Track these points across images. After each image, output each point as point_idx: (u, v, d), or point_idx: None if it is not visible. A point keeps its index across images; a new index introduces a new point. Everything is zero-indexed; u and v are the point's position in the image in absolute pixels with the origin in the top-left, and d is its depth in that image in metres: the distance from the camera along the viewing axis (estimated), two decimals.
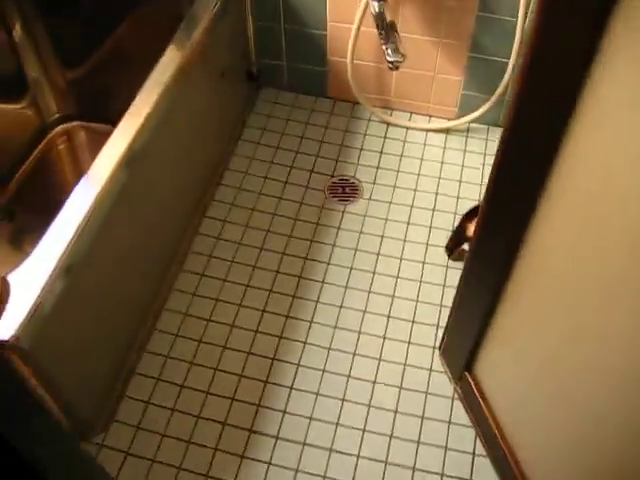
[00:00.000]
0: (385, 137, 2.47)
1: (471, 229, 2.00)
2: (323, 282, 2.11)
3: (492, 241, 1.46)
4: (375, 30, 2.09)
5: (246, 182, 2.32)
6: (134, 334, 1.92)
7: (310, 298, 2.08)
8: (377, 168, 2.38)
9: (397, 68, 2.03)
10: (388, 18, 2.11)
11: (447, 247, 2.17)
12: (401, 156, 2.42)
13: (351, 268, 2.15)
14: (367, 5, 2.14)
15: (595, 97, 1.04)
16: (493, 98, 2.31)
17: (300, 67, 2.48)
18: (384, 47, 2.04)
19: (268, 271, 2.13)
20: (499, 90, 2.28)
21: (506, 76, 2.24)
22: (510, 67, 2.21)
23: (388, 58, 2.01)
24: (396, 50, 2.03)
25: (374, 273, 2.14)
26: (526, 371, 1.53)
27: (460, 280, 1.67)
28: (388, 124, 2.50)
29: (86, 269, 1.53)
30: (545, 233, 1.30)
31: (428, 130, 2.49)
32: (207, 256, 2.15)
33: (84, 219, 1.49)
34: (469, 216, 2.10)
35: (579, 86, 1.05)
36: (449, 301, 2.06)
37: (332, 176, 2.35)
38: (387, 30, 2.09)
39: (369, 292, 2.10)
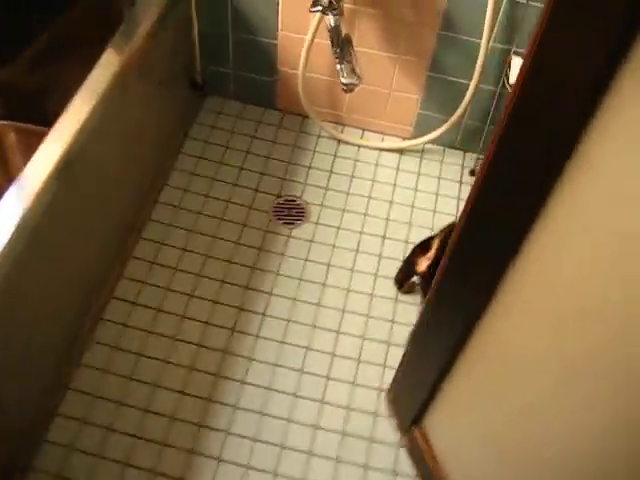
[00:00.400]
0: (335, 155, 2.33)
1: (422, 264, 1.88)
2: (264, 315, 1.98)
3: (449, 306, 1.34)
4: (329, 42, 1.95)
5: (186, 200, 2.17)
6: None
7: (249, 332, 1.95)
8: (326, 189, 2.25)
9: (351, 91, 1.89)
10: (344, 32, 1.97)
11: (396, 279, 2.06)
12: (352, 177, 2.29)
13: (295, 299, 2.02)
14: (322, 17, 2.00)
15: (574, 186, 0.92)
16: (451, 120, 2.20)
17: (248, 76, 2.32)
18: (338, 66, 1.90)
19: (206, 300, 1.99)
20: (458, 112, 2.16)
21: (466, 98, 2.12)
22: (471, 89, 2.10)
23: (342, 80, 1.87)
24: (351, 71, 1.89)
25: (319, 306, 2.02)
26: (482, 432, 1.43)
27: (412, 335, 1.55)
28: (339, 141, 2.37)
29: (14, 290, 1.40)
30: (503, 308, 1.19)
31: (381, 149, 2.37)
32: (140, 282, 2.00)
33: (15, 230, 1.36)
34: (421, 249, 1.98)
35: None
36: (398, 338, 1.96)
37: (278, 196, 2.22)
38: (342, 46, 1.96)
39: (313, 326, 1.98)
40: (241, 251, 2.08)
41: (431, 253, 1.82)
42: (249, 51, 2.24)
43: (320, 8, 1.90)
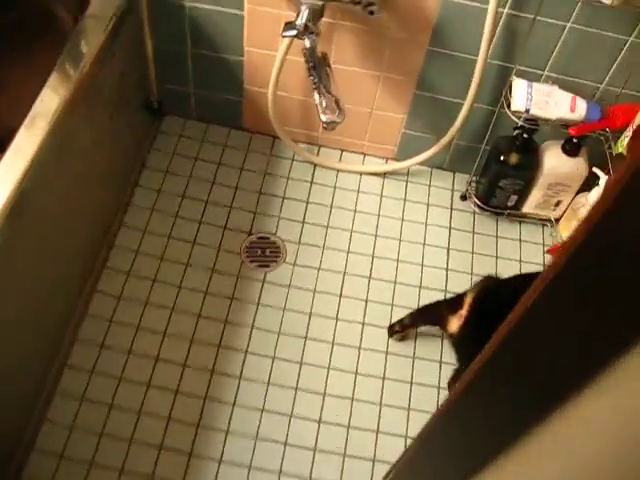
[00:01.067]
0: (312, 182, 2.09)
1: (453, 324, 1.65)
2: (240, 377, 1.75)
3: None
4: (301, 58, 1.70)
5: (145, 243, 1.91)
6: None
7: (225, 400, 1.72)
8: (303, 223, 2.01)
9: (332, 129, 1.64)
10: (319, 51, 1.71)
11: (393, 328, 1.83)
12: (331, 207, 2.05)
13: (274, 357, 1.79)
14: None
15: None
16: (443, 141, 1.97)
17: (211, 95, 2.06)
18: (317, 99, 1.64)
19: (173, 364, 1.75)
20: (451, 132, 1.94)
21: (460, 118, 1.90)
22: (465, 109, 1.86)
23: (322, 117, 1.62)
24: (333, 106, 1.63)
25: (301, 363, 1.79)
26: None
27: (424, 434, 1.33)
28: (315, 165, 2.12)
29: None
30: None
31: (362, 173, 2.13)
32: (98, 346, 1.75)
33: None
34: (448, 304, 1.73)
35: None
36: (391, 399, 1.75)
37: (250, 234, 1.97)
38: (318, 67, 1.70)
39: (295, 389, 1.76)
40: (211, 302, 1.84)
41: (463, 311, 1.60)
42: (211, 69, 1.98)
43: (294, 33, 1.64)
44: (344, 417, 1.74)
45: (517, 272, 2.02)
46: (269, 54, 1.89)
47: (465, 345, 1.62)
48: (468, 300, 1.59)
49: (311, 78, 1.68)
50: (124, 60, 1.79)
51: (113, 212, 1.90)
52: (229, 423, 1.68)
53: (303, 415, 1.72)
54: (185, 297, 1.84)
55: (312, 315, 1.87)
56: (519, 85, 1.75)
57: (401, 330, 1.82)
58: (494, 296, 1.57)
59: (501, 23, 1.72)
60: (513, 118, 1.79)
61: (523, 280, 1.68)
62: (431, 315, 1.78)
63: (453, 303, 1.65)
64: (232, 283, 1.88)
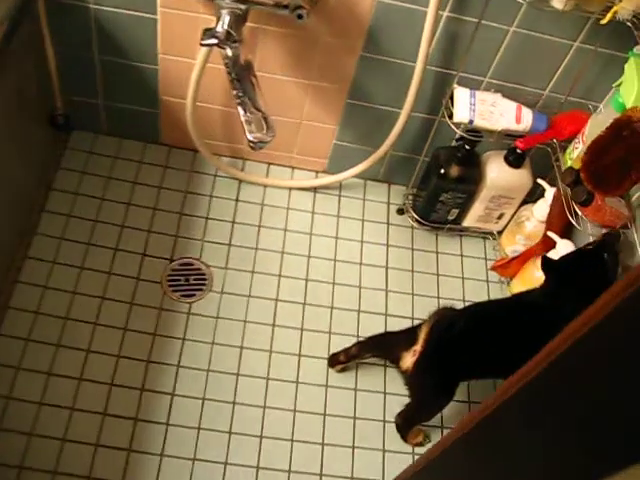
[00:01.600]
0: (237, 199, 1.92)
1: (406, 359, 1.50)
2: (167, 424, 1.58)
3: None
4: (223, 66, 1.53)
5: (54, 276, 1.71)
6: None
7: (152, 450, 1.54)
8: (229, 245, 1.84)
9: (260, 148, 1.47)
10: (243, 58, 1.54)
11: (336, 358, 1.69)
12: (259, 227, 1.89)
13: (204, 399, 1.63)
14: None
15: None
16: (379, 152, 1.83)
17: (123, 107, 1.86)
18: (242, 116, 1.48)
19: (90, 413, 1.56)
20: (387, 143, 1.80)
21: (396, 128, 1.76)
22: (402, 118, 1.73)
23: (249, 136, 1.45)
24: (260, 123, 1.47)
25: (234, 403, 1.63)
26: None
27: None
28: (240, 181, 1.95)
29: None
30: None
31: (292, 188, 1.97)
32: (5, 398, 1.54)
33: None
34: (399, 339, 1.58)
35: None
36: (333, 437, 1.61)
37: (171, 260, 1.79)
38: (242, 80, 1.53)
39: (229, 433, 1.59)
40: (130, 340, 1.66)
41: (418, 347, 1.46)
42: (123, 78, 1.78)
43: (214, 41, 1.47)
44: (283, 461, 1.59)
45: (460, 289, 1.90)
46: (187, 61, 1.71)
47: (420, 381, 1.49)
48: (422, 335, 1.45)
49: (234, 91, 1.51)
50: (20, 70, 1.58)
51: (15, 243, 1.69)
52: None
53: (239, 462, 1.57)
54: (101, 336, 1.65)
55: (243, 349, 1.71)
56: (461, 94, 1.63)
57: (345, 360, 1.68)
58: (449, 329, 1.44)
59: (441, 26, 1.59)
60: (455, 129, 1.67)
61: (478, 311, 1.56)
62: (382, 349, 1.64)
63: (406, 338, 1.51)
64: (154, 317, 1.70)
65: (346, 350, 1.67)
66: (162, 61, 1.74)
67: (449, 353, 1.45)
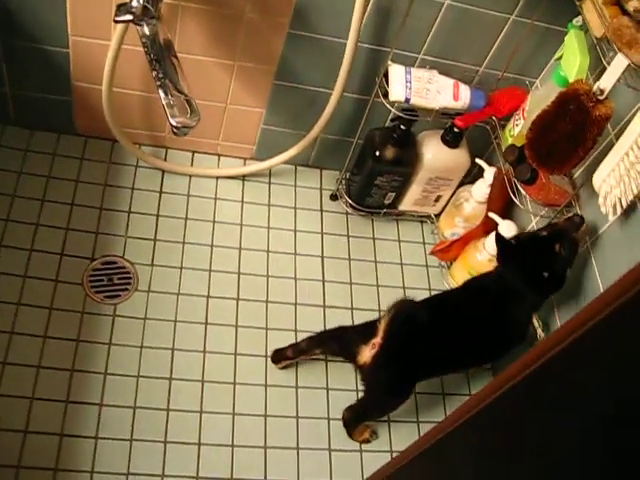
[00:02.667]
0: (161, 191, 1.80)
1: (364, 354, 1.42)
2: (96, 437, 1.46)
3: None
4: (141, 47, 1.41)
5: None
6: None
7: (82, 468, 1.42)
8: (154, 241, 1.73)
9: (184, 134, 1.36)
10: (162, 37, 1.42)
11: (283, 353, 1.60)
12: (185, 219, 1.78)
13: (134, 407, 1.51)
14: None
15: None
16: (309, 136, 1.74)
17: (32, 95, 1.72)
18: (163, 99, 1.36)
19: (10, 432, 1.42)
20: (318, 125, 1.72)
21: (327, 110, 1.68)
22: (333, 100, 1.64)
23: (171, 120, 1.34)
24: (184, 106, 1.35)
25: (168, 410, 1.52)
26: None
27: None
28: (163, 171, 1.83)
29: None
30: None
31: (219, 177, 1.86)
32: None
33: None
34: (357, 333, 1.49)
35: None
36: (275, 439, 1.52)
37: (92, 259, 1.66)
38: (161, 60, 1.41)
39: (165, 442, 1.49)
40: (51, 348, 1.53)
41: (378, 339, 1.38)
42: (31, 63, 1.64)
43: (129, 17, 1.35)
44: (224, 469, 1.49)
45: (399, 276, 1.83)
46: (101, 43, 1.58)
47: (378, 375, 1.43)
48: (382, 327, 1.38)
49: (154, 73, 1.39)
50: None
51: None
52: None
53: (177, 474, 1.46)
54: (18, 345, 1.51)
55: (175, 350, 1.60)
56: (396, 72, 1.55)
57: (293, 356, 1.59)
58: (410, 321, 1.37)
59: (372, 0, 1.50)
60: (390, 109, 1.59)
61: (438, 302, 1.49)
62: (336, 343, 1.55)
63: (364, 331, 1.43)
64: (76, 322, 1.57)
65: (294, 345, 1.58)
66: (73, 43, 1.60)
67: (410, 346, 1.38)
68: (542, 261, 1.39)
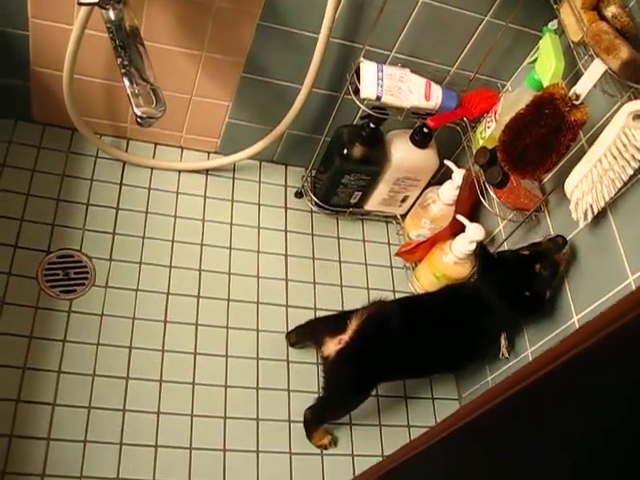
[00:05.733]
0: (121, 183, 1.75)
1: (330, 347, 1.41)
2: (49, 438, 1.40)
3: None
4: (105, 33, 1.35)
5: None
6: None
7: (32, 471, 1.36)
8: (113, 234, 1.67)
9: (149, 125, 1.31)
10: (128, 23, 1.37)
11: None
12: (146, 213, 1.73)
13: (89, 408, 1.45)
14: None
15: None
16: (276, 131, 1.70)
17: None
18: (128, 88, 1.30)
19: None
20: (284, 122, 1.68)
21: (296, 105, 1.65)
22: (302, 95, 1.61)
23: (136, 110, 1.29)
24: (149, 96, 1.30)
25: (124, 411, 1.48)
26: None
27: None
28: (124, 163, 1.77)
29: None
30: None
31: (181, 170, 1.81)
32: None
33: None
34: (327, 325, 1.49)
35: None
36: (236, 443, 1.50)
37: (48, 252, 1.60)
38: (127, 47, 1.36)
39: (120, 444, 1.43)
40: (2, 345, 1.46)
41: (345, 337, 1.36)
42: None
43: (94, 0, 1.29)
44: (182, 472, 1.45)
45: (363, 276, 1.81)
46: (63, 27, 1.52)
47: (339, 371, 1.41)
48: (353, 326, 1.35)
49: (119, 60, 1.34)
50: None
51: None
52: None
53: (132, 477, 1.41)
54: None
55: (133, 349, 1.55)
56: (368, 69, 1.52)
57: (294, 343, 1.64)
58: (383, 325, 1.36)
59: None
60: (360, 106, 1.55)
61: (413, 306, 1.48)
62: (310, 332, 1.56)
63: (333, 324, 1.42)
64: (29, 317, 1.51)
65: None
66: (33, 26, 1.53)
67: (379, 349, 1.36)
68: (521, 279, 1.38)
